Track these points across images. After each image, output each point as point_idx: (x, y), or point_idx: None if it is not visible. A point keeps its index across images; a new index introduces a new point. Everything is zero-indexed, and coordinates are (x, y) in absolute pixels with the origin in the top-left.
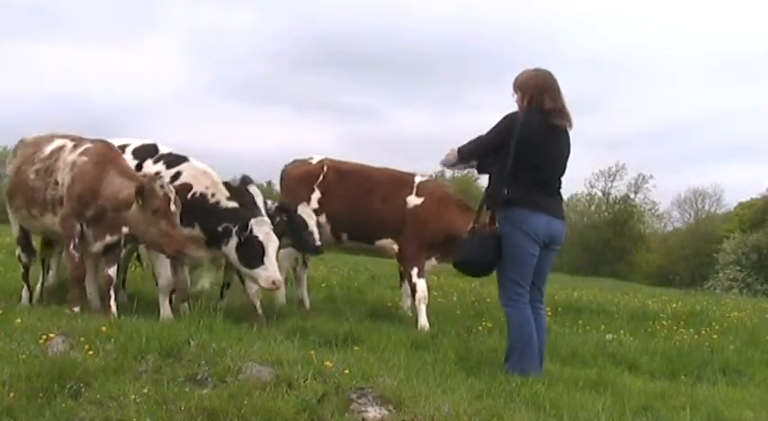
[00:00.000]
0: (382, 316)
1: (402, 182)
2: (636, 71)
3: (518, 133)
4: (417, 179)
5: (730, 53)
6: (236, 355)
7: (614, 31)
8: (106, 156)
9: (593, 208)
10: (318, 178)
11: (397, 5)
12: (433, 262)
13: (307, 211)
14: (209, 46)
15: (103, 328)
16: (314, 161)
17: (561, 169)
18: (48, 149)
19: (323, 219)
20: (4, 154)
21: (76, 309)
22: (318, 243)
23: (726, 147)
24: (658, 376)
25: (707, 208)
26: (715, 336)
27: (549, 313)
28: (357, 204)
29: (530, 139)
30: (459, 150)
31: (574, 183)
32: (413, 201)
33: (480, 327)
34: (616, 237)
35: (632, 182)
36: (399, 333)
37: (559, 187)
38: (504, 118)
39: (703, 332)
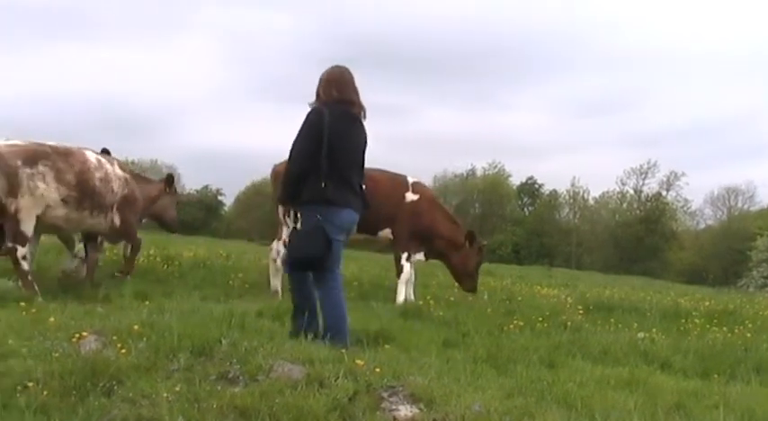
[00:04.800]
0: (413, 314)
1: None
2: (668, 69)
3: (327, 124)
4: None
5: (764, 50)
6: (267, 354)
7: (645, 29)
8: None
9: (624, 206)
10: None
11: (428, 5)
12: None
13: None
14: (244, 46)
15: (136, 327)
16: None
17: (360, 160)
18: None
19: None
20: None
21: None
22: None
23: (759, 144)
24: (691, 375)
25: (740, 205)
26: (748, 335)
27: (581, 312)
28: None
29: (335, 129)
30: (281, 200)
31: (605, 180)
32: None
33: (511, 326)
34: (648, 235)
35: (664, 179)
36: (430, 331)
37: (361, 181)
38: (310, 113)
39: (736, 330)
